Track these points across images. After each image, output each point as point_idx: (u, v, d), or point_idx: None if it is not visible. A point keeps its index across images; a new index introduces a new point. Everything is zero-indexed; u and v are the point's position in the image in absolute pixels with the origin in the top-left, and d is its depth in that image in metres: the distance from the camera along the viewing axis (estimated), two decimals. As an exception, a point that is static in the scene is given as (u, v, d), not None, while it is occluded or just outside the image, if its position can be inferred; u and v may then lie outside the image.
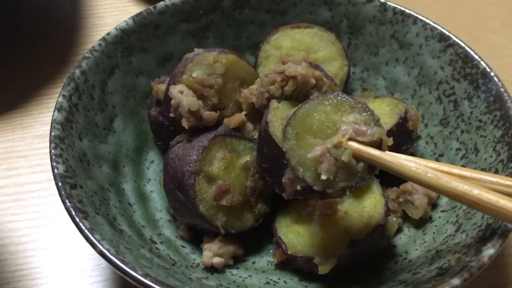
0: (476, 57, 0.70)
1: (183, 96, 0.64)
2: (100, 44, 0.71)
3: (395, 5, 0.78)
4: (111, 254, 0.52)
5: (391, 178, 0.68)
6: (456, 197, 0.49)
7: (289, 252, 0.62)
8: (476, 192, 0.48)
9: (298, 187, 0.60)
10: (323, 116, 0.55)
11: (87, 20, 1.02)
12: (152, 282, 0.50)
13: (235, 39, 0.83)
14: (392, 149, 0.67)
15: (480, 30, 1.03)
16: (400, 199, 0.67)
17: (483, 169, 0.64)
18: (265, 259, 0.66)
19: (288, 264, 0.65)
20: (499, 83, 0.67)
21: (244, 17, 0.82)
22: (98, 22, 1.02)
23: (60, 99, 0.64)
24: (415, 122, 0.69)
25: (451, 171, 0.52)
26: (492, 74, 0.68)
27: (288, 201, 0.64)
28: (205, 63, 0.67)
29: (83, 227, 0.53)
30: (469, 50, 0.71)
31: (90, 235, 0.53)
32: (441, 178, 0.50)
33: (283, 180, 0.60)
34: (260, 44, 0.79)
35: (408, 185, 0.67)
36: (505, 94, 0.66)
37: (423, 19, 0.76)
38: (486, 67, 0.69)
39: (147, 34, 0.76)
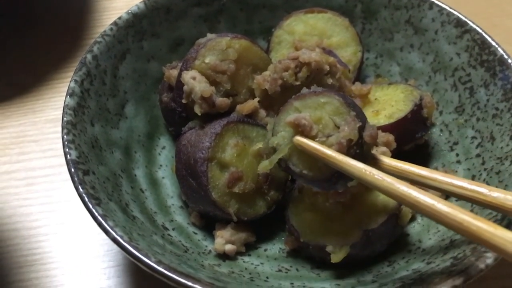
0: (494, 43, 0.69)
1: (195, 82, 0.64)
2: (111, 29, 0.70)
3: (411, -10, 0.76)
4: (124, 241, 0.52)
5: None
6: (398, 199, 0.51)
7: (302, 240, 0.61)
8: (415, 194, 0.49)
9: None
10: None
11: (97, 3, 1.01)
12: (165, 270, 0.50)
13: (247, 24, 0.82)
14: (406, 136, 0.67)
15: (496, 15, 1.01)
16: (414, 188, 0.66)
17: (499, 158, 0.63)
18: (277, 247, 0.66)
19: (300, 251, 0.65)
20: (517, 70, 0.66)
21: (256, 1, 0.81)
22: (108, 5, 1.01)
23: (72, 84, 0.64)
24: (430, 109, 0.68)
25: (408, 169, 0.55)
26: (509, 61, 0.67)
27: (301, 189, 0.63)
28: (217, 48, 0.66)
29: (96, 214, 0.53)
30: (486, 36, 0.70)
31: (103, 222, 0.53)
32: (385, 179, 0.51)
33: None
34: (273, 29, 0.78)
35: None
36: (522, 81, 0.65)
37: (439, 4, 0.74)
38: (504, 54, 0.68)
39: (159, 18, 0.75)
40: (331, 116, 0.55)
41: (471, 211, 0.60)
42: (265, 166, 0.59)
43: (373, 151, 0.62)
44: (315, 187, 0.58)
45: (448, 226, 0.47)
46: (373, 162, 0.56)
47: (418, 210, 0.49)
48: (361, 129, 0.54)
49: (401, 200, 0.50)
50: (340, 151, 0.53)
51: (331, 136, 0.55)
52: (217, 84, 0.65)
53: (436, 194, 0.56)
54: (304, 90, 0.58)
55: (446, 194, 0.58)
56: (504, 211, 0.50)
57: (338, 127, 0.55)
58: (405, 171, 0.55)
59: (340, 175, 0.54)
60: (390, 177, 0.51)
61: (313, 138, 0.55)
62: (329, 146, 0.54)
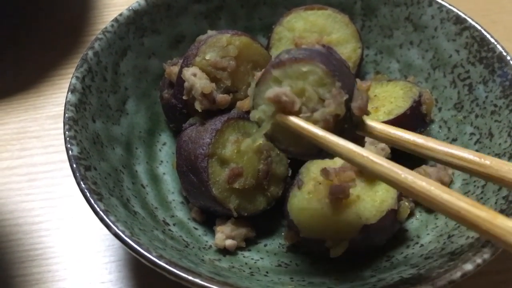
0: (493, 40, 0.69)
1: (196, 79, 0.64)
2: (112, 25, 0.71)
3: (411, -13, 0.76)
4: (126, 235, 0.52)
5: (404, 163, 0.68)
6: (389, 183, 0.47)
7: (301, 235, 0.62)
8: (410, 178, 0.45)
9: None
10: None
11: (98, 0, 1.02)
12: (166, 264, 0.50)
13: (247, 20, 0.82)
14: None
15: (495, 12, 1.01)
16: (413, 184, 0.67)
17: (497, 155, 0.64)
18: (277, 242, 0.67)
19: (300, 246, 0.65)
20: (516, 67, 0.66)
21: (256, -2, 0.81)
22: (109, 2, 1.01)
23: (74, 80, 0.64)
24: (429, 106, 0.68)
25: (403, 136, 0.50)
26: (508, 58, 0.67)
27: (301, 185, 0.64)
28: (218, 45, 0.66)
29: (98, 209, 0.54)
30: (485, 33, 0.70)
31: (105, 217, 0.53)
32: (376, 162, 0.46)
33: None
34: (273, 25, 0.78)
35: (421, 170, 0.67)
36: (521, 78, 0.65)
37: (439, 1, 0.75)
38: (503, 51, 0.68)
39: (159, 15, 0.75)
40: (315, 88, 0.50)
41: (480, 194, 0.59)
42: (248, 144, 0.57)
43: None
44: (302, 158, 0.56)
45: (446, 214, 0.44)
46: (364, 129, 0.52)
47: (412, 195, 0.45)
48: (348, 101, 0.49)
49: (394, 185, 0.46)
50: (326, 128, 0.49)
51: (316, 112, 0.49)
52: (218, 81, 0.66)
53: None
54: (283, 54, 0.52)
55: (443, 165, 0.55)
56: (499, 181, 0.47)
57: (323, 100, 0.49)
58: (399, 138, 0.50)
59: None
60: (381, 159, 0.47)
61: (297, 113, 0.50)
62: (315, 122, 0.49)
